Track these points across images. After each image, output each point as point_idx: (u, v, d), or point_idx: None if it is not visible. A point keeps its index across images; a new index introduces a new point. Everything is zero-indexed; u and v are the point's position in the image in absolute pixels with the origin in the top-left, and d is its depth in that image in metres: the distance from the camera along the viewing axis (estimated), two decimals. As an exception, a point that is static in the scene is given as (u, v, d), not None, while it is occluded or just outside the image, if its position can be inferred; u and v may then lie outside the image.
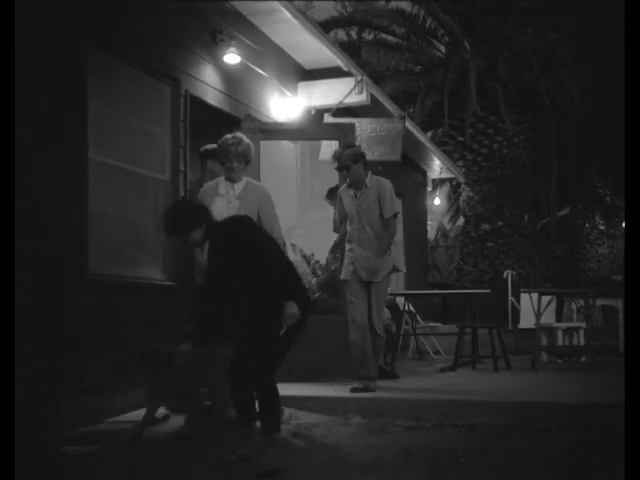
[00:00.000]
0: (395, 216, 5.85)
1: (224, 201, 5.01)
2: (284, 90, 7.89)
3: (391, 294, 8.65)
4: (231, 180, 4.97)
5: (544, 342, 8.69)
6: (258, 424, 3.88)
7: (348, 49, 11.17)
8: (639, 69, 3.00)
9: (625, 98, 3.10)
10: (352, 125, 7.18)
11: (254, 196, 4.95)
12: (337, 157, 5.84)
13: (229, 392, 3.93)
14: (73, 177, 4.94)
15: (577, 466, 3.92)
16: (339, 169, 5.82)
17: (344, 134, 6.99)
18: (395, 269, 5.82)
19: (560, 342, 8.94)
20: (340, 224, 5.98)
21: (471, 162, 15.67)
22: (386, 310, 7.36)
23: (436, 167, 13.64)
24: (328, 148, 8.31)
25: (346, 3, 19.14)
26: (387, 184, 5.85)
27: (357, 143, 8.38)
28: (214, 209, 4.69)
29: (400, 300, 8.88)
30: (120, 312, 5.20)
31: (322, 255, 7.43)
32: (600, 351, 7.62)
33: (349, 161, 5.68)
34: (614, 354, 8.12)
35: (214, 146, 5.38)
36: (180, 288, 5.68)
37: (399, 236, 7.98)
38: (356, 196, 5.81)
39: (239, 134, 4.99)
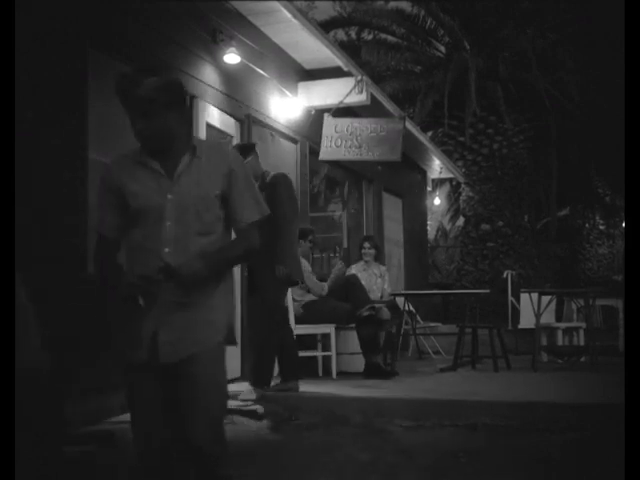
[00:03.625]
0: (259, 220, 2.56)
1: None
2: (284, 90, 7.89)
3: (391, 294, 8.65)
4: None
5: (544, 342, 8.69)
6: None
7: (348, 49, 11.17)
8: (639, 68, 3.00)
9: (625, 98, 3.10)
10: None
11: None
12: (127, 85, 2.44)
13: None
14: (73, 177, 4.94)
15: (577, 466, 3.92)
16: (136, 113, 2.49)
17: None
18: (231, 336, 2.60)
19: (560, 342, 8.93)
20: (116, 235, 2.71)
21: (471, 162, 15.68)
22: (386, 310, 7.37)
23: (436, 167, 13.65)
24: (328, 148, 8.32)
25: (345, 3, 19.15)
26: (239, 156, 2.67)
27: (351, 142, 8.31)
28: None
29: (400, 300, 8.88)
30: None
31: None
32: (600, 351, 7.62)
33: (156, 105, 2.42)
34: (614, 354, 8.12)
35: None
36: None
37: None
38: (168, 174, 2.49)
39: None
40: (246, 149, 5.59)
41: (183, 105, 2.54)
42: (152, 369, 2.46)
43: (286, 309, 6.07)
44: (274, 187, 5.51)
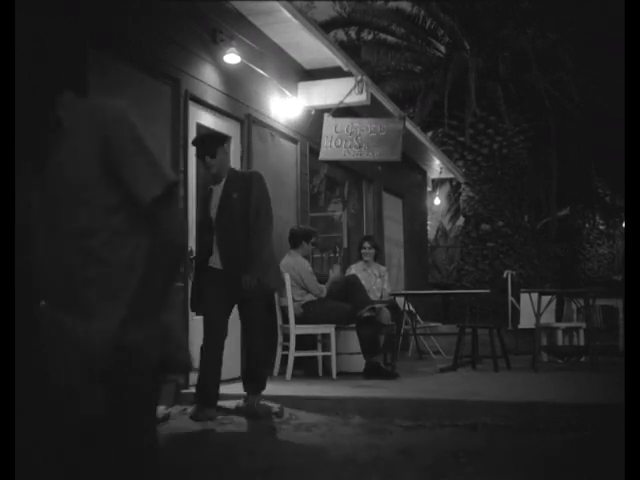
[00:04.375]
0: (161, 199, 1.82)
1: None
2: (284, 90, 7.89)
3: (391, 294, 8.65)
4: None
5: (544, 342, 8.69)
6: None
7: (348, 49, 11.16)
8: (639, 68, 3.00)
9: (625, 98, 3.10)
10: None
11: None
12: None
13: None
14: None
15: (577, 466, 3.92)
16: None
17: None
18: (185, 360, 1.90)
19: (560, 342, 8.93)
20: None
21: (471, 162, 15.68)
22: (386, 310, 7.37)
23: (436, 167, 13.65)
24: (328, 148, 8.32)
25: (345, 3, 19.15)
26: (122, 113, 1.90)
27: (351, 142, 8.30)
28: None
29: (400, 300, 8.88)
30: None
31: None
32: (600, 351, 7.61)
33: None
34: (614, 354, 8.12)
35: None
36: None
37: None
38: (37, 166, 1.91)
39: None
40: (214, 140, 5.08)
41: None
42: None
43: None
44: (248, 184, 5.00)
